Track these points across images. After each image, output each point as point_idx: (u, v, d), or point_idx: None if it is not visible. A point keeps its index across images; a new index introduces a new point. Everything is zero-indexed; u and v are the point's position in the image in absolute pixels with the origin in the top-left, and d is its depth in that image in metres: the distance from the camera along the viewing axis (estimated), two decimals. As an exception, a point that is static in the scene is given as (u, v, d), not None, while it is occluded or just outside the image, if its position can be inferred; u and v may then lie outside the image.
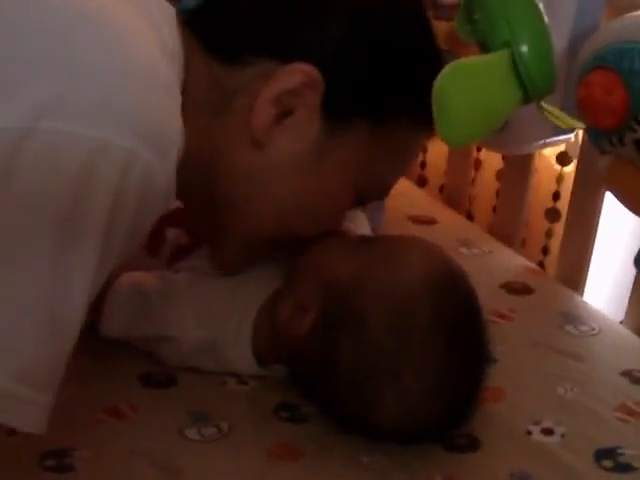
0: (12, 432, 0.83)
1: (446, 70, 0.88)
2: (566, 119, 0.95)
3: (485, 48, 0.93)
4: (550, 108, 0.94)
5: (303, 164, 0.96)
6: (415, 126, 1.00)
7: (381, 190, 1.07)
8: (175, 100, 0.82)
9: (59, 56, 0.73)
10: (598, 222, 1.40)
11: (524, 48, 0.88)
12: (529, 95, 0.89)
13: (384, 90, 0.96)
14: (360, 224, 1.19)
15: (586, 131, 1.22)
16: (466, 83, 0.88)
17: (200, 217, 1.05)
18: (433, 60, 0.97)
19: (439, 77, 0.88)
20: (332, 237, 1.06)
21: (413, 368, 0.97)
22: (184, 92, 0.88)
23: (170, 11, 0.91)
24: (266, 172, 0.96)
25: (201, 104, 0.93)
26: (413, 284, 0.99)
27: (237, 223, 1.00)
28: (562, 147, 1.49)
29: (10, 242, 0.73)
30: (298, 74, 0.92)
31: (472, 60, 0.90)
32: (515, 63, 0.88)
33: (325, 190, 0.98)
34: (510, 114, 0.92)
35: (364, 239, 1.11)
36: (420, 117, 0.95)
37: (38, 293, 0.74)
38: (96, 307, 1.06)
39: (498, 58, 0.88)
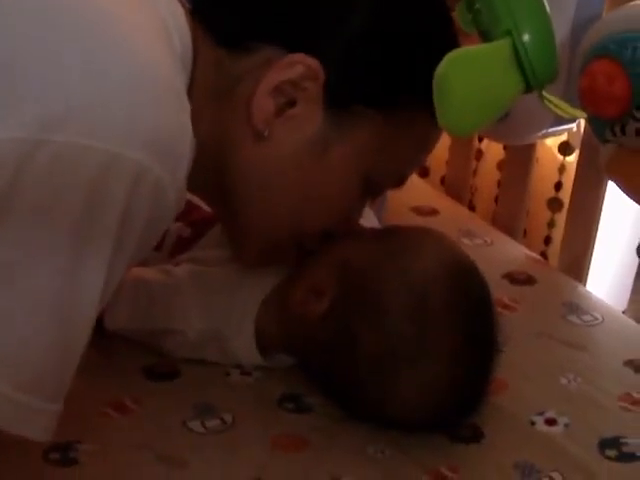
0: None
1: (447, 59, 0.87)
2: (567, 108, 0.95)
3: (486, 37, 0.92)
4: (551, 97, 0.94)
5: (305, 156, 0.93)
6: (430, 116, 0.94)
7: (395, 180, 1.03)
8: (185, 111, 0.81)
9: (71, 69, 0.73)
10: (600, 211, 1.40)
11: (526, 37, 0.87)
12: (530, 84, 0.89)
13: (391, 80, 0.94)
14: (368, 218, 1.19)
15: (588, 120, 1.22)
16: (467, 72, 0.88)
17: (217, 211, 1.05)
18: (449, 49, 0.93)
19: (440, 66, 0.87)
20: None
21: (429, 354, 0.97)
22: (192, 83, 0.87)
23: (179, 9, 0.89)
24: (269, 164, 0.93)
25: (208, 93, 0.91)
26: (430, 272, 1.00)
27: (249, 217, 0.97)
28: (564, 137, 1.49)
29: (22, 252, 0.73)
30: (299, 65, 0.90)
31: (473, 49, 0.89)
32: (516, 52, 0.88)
33: (331, 182, 0.95)
34: (512, 103, 0.92)
35: (375, 230, 1.12)
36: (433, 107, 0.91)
37: (48, 304, 0.75)
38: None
39: (499, 47, 0.88)
